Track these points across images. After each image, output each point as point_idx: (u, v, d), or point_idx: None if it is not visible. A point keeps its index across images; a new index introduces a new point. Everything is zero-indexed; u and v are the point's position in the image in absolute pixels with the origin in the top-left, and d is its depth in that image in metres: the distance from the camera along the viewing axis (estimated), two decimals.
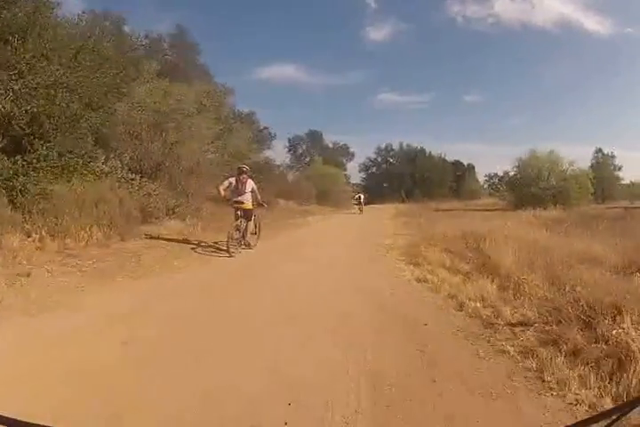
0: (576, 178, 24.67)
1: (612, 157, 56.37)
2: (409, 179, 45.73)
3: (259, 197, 7.78)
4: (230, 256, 6.98)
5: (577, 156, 56.23)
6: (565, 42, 50.40)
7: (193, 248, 7.79)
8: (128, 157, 10.54)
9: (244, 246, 7.56)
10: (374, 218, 20.69)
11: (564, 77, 54.96)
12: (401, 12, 56.39)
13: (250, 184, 7.55)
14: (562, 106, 59.90)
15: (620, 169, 54.73)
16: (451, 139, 70.95)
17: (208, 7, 46.91)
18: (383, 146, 50.83)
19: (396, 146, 50.42)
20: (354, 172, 56.46)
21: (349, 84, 57.34)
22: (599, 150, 54.56)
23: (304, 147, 52.23)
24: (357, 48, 56.24)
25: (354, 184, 45.83)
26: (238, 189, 7.47)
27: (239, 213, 7.48)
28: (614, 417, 0.68)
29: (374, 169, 51.17)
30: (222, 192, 7.54)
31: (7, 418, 0.59)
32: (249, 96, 57.81)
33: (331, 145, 52.51)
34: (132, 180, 9.93)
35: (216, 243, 8.02)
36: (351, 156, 54.32)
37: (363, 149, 51.26)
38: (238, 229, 7.41)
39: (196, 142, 12.86)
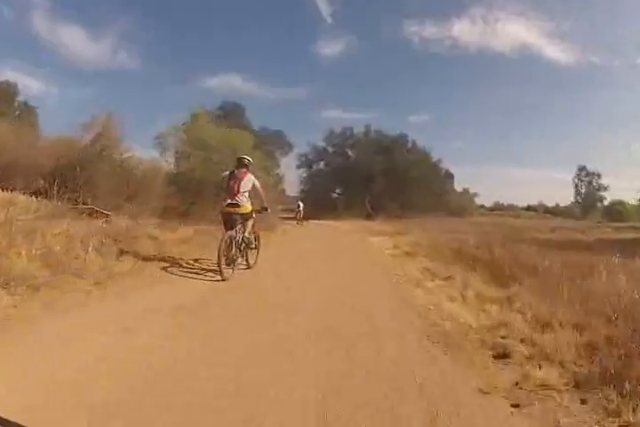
0: None
1: (598, 175, 53.07)
2: (381, 180, 28.49)
3: (264, 198, 5.87)
4: (223, 280, 4.94)
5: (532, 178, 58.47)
6: (524, 67, 51.93)
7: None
8: None
9: (241, 266, 5.68)
10: None
11: (516, 102, 56.72)
12: (356, 29, 57.06)
13: (249, 181, 5.56)
14: (513, 131, 60.44)
15: (606, 189, 52.01)
16: None
17: (158, 14, 43.14)
18: (338, 130, 33.15)
19: (358, 130, 33.24)
20: (290, 174, 40.65)
21: (296, 98, 54.50)
22: (583, 168, 51.62)
23: None
24: (308, 63, 54.88)
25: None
26: (232, 188, 5.48)
27: (234, 218, 5.43)
28: None
29: (321, 164, 33.39)
30: None
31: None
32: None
33: (257, 128, 34.19)
34: None
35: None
36: (288, 147, 36.49)
37: None
38: (233, 242, 5.33)
39: None
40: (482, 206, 56.67)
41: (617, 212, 47.95)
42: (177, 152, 13.07)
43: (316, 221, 23.85)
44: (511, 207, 58.72)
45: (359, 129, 32.87)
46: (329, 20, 53.95)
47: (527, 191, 71.39)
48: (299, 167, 33.59)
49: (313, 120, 57.78)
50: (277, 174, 36.08)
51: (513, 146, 58.46)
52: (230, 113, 34.32)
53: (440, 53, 49.60)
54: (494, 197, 62.82)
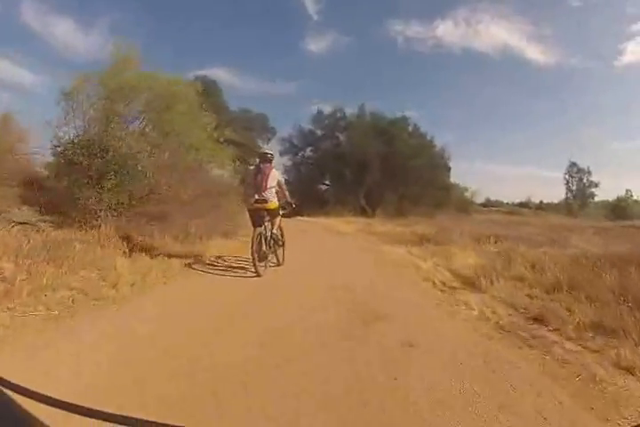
0: None
1: (589, 172, 50.11)
2: (378, 169, 23.77)
3: (286, 193, 5.86)
4: (258, 276, 4.93)
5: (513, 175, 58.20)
6: (506, 67, 50.83)
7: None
8: None
9: (271, 263, 5.61)
10: None
11: (498, 100, 54.97)
12: (342, 26, 56.85)
13: (274, 176, 5.52)
14: (493, 128, 57.42)
15: (597, 186, 49.01)
16: None
17: (145, 9, 42.64)
18: (327, 110, 28.05)
19: (351, 111, 28.22)
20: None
21: (283, 93, 52.32)
22: (574, 165, 48.70)
23: None
24: (295, 58, 52.05)
25: None
26: (260, 183, 5.40)
27: (262, 215, 5.38)
28: None
29: (309, 151, 28.33)
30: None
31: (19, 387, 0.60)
32: None
33: (236, 109, 29.25)
34: None
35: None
36: (271, 133, 31.55)
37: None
38: (263, 239, 5.31)
39: None
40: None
41: (621, 209, 45.78)
42: (84, 111, 8.01)
43: (302, 218, 19.15)
44: (499, 204, 57.19)
45: (352, 110, 27.86)
46: (315, 17, 52.68)
47: (509, 188, 70.84)
48: (282, 154, 28.44)
49: (301, 115, 57.41)
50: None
51: (495, 143, 56.95)
52: (203, 90, 29.15)
53: (424, 52, 49.37)
54: (483, 194, 61.80)
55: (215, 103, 27.91)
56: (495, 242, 7.77)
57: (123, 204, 6.33)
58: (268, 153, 5.71)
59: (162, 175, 6.40)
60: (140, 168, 6.37)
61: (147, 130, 7.27)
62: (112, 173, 6.21)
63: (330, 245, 9.30)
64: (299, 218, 19.24)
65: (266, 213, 5.34)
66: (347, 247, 8.73)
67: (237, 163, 31.10)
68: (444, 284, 4.29)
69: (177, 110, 7.26)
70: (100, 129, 6.79)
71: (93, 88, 8.23)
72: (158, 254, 5.19)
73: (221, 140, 9.09)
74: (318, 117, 27.93)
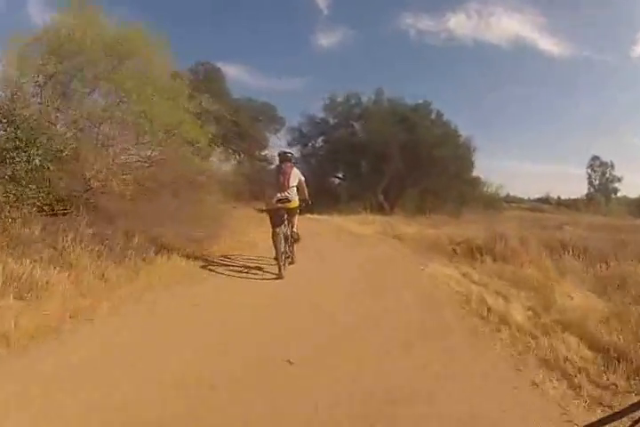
0: None
1: (612, 166, 47.54)
2: (398, 161, 21.28)
3: (306, 191, 5.85)
4: (279, 278, 5.05)
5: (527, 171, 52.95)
6: (519, 60, 47.99)
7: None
8: None
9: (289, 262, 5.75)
10: None
11: (513, 96, 51.54)
12: (353, 20, 54.07)
13: (296, 175, 5.66)
14: (508, 124, 52.93)
15: (619, 180, 46.16)
16: None
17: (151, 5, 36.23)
18: (341, 97, 25.39)
19: (367, 96, 25.31)
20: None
21: (294, 88, 51.20)
22: (596, 158, 45.91)
23: None
24: (306, 53, 48.98)
25: None
26: (282, 183, 5.51)
27: (282, 214, 5.42)
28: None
29: (320, 140, 25.83)
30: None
31: None
32: None
33: (239, 97, 27.12)
34: None
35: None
36: (280, 124, 29.25)
37: None
38: (283, 239, 5.38)
39: None
40: None
41: None
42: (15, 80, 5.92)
43: (312, 216, 16.97)
44: (518, 200, 54.71)
45: (369, 96, 24.73)
46: (325, 11, 51.81)
47: (524, 183, 68.18)
48: (290, 145, 25.92)
49: (312, 109, 56.22)
50: (265, 156, 29.19)
51: (510, 138, 54.41)
52: (205, 77, 26.88)
53: (436, 45, 47.59)
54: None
55: (217, 89, 25.93)
56: (580, 257, 5.47)
57: (35, 198, 4.25)
58: (287, 152, 5.96)
59: (90, 160, 4.30)
60: (59, 147, 4.25)
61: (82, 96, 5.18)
62: (15, 154, 4.12)
63: (346, 260, 7.05)
64: (308, 216, 17.09)
65: (286, 211, 5.40)
66: (370, 264, 6.49)
67: (242, 155, 28.89)
68: (588, 378, 2.04)
69: (128, 65, 5.12)
70: (13, 93, 4.72)
71: (32, 50, 6.23)
72: (45, 285, 3.09)
73: (197, 111, 6.79)
74: (331, 105, 25.15)
